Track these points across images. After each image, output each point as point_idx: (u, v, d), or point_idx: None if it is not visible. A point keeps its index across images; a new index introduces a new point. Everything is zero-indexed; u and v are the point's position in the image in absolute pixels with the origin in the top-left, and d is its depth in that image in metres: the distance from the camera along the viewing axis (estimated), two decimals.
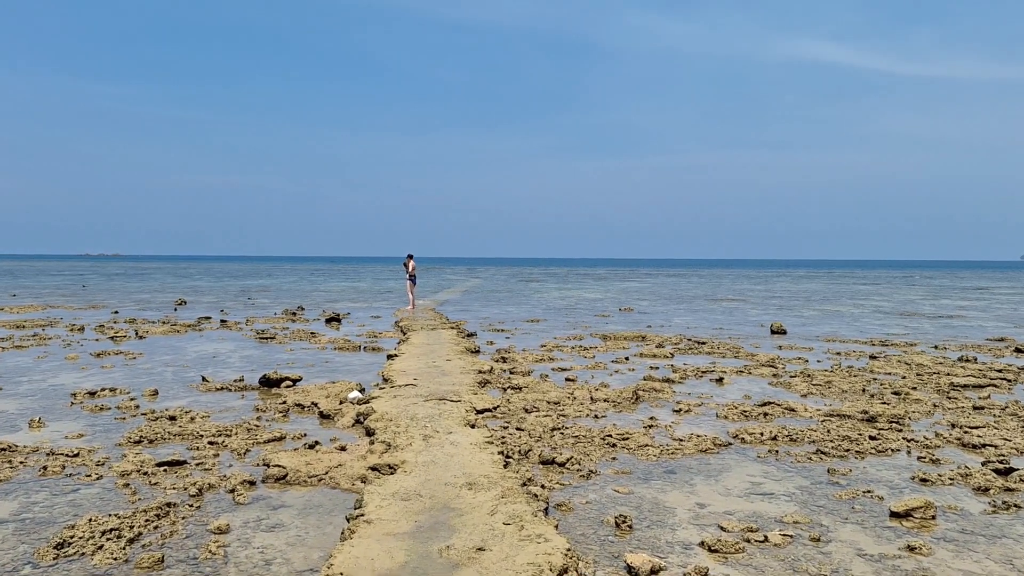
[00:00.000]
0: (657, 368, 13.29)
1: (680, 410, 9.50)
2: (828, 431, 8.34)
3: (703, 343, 17.05)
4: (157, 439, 7.99)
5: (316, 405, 9.68)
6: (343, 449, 7.48)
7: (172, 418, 8.95)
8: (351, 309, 28.44)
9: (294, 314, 25.31)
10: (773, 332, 19.73)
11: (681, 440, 7.96)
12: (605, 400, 10.06)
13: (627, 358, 14.38)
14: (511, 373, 12.48)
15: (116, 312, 25.90)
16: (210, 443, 7.80)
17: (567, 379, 11.94)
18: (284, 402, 9.98)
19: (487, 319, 24.09)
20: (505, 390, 10.94)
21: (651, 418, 9.06)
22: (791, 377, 12.17)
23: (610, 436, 7.94)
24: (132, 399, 10.21)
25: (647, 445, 7.67)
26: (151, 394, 10.58)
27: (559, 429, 8.38)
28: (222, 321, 22.08)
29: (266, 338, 17.72)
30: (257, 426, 8.54)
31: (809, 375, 12.27)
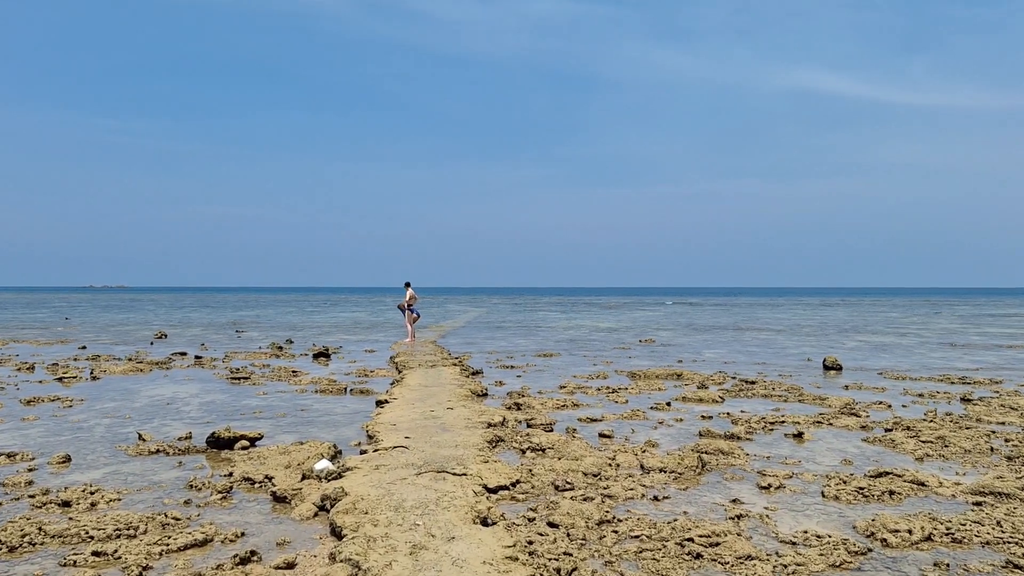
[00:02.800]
0: (710, 417, 10.72)
1: (769, 486, 6.92)
2: (998, 523, 5.76)
3: (753, 383, 14.45)
4: (23, 545, 5.44)
5: (270, 480, 7.12)
6: (289, 567, 4.92)
7: (66, 503, 6.41)
8: (344, 342, 25.91)
9: (280, 348, 22.79)
10: (827, 368, 17.13)
11: (794, 543, 5.39)
12: (662, 470, 7.47)
13: (668, 403, 11.80)
14: (529, 426, 9.92)
15: (84, 347, 23.39)
16: (96, 553, 5.23)
17: (601, 435, 9.37)
18: (230, 473, 7.43)
19: (494, 353, 21.54)
20: (524, 452, 8.37)
21: (733, 501, 6.48)
22: (886, 430, 9.59)
23: (690, 539, 5.36)
24: (31, 470, 7.67)
25: (750, 557, 5.08)
26: (60, 461, 8.02)
27: (609, 523, 5.81)
28: (196, 357, 19.56)
29: (239, 378, 15.17)
30: (177, 520, 5.97)
31: (908, 427, 9.68)
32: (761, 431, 9.71)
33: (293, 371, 16.39)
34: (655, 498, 6.57)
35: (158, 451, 8.58)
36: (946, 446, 8.55)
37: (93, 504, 6.41)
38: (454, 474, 6.79)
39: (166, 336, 28.27)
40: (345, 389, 13.67)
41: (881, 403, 11.85)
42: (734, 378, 15.41)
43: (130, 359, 19.09)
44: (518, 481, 6.89)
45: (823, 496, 6.65)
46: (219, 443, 8.65)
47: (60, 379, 15.13)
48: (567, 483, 6.89)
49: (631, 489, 6.77)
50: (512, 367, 17.59)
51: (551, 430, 9.70)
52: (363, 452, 8.09)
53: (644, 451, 8.39)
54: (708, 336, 29.34)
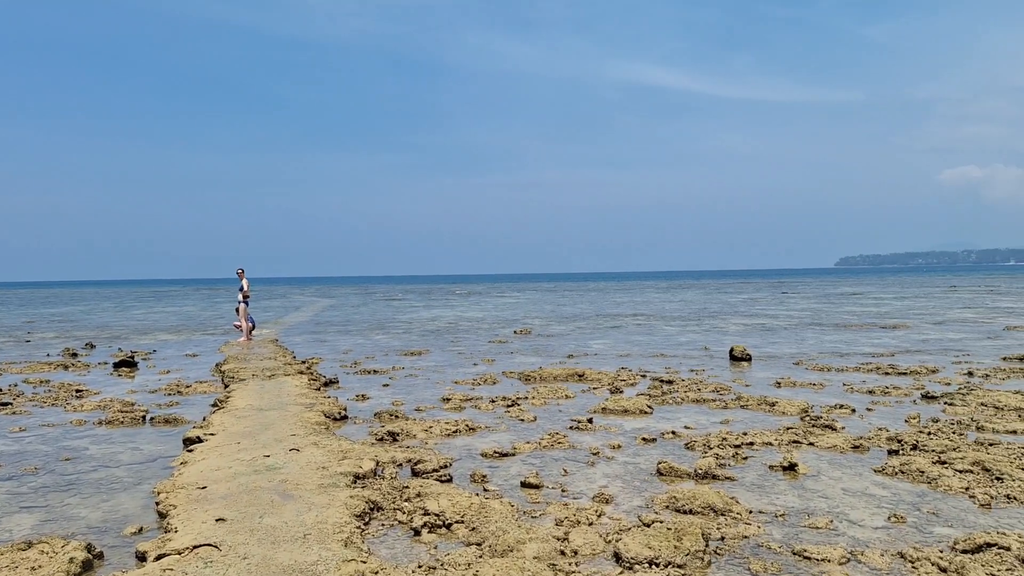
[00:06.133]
0: (653, 440, 8.03)
1: None
2: None
3: (670, 382, 12.01)
4: None
5: None
6: None
7: None
8: (162, 344, 21.43)
9: (75, 355, 18.16)
10: (736, 358, 15.08)
11: None
12: (652, 561, 4.57)
13: (590, 420, 9.01)
14: (415, 473, 6.78)
15: None
16: None
17: (525, 484, 6.40)
18: None
19: (349, 353, 18.07)
20: (418, 532, 5.25)
21: None
22: (891, 452, 7.24)
23: None
24: None
25: None
26: None
27: None
28: None
29: None
30: None
31: (915, 445, 7.38)
32: (733, 461, 7.10)
33: (77, 390, 12.25)
34: None
35: None
36: (999, 479, 6.25)
37: None
38: None
39: None
40: (144, 417, 9.89)
41: (842, 407, 9.64)
42: (644, 376, 12.94)
43: None
44: None
45: None
46: None
47: None
48: None
49: None
50: (375, 371, 14.26)
51: (449, 478, 6.61)
52: (141, 558, 4.68)
53: (600, 514, 5.51)
54: (583, 324, 27.15)
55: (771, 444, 7.71)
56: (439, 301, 52.90)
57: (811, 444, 7.68)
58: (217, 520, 5.16)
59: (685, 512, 5.53)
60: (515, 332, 23.44)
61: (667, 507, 5.68)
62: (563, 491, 6.23)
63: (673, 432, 8.29)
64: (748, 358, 15.06)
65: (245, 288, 21.06)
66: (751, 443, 7.74)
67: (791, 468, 6.72)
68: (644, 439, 8.04)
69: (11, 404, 11.07)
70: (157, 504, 5.85)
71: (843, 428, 8.38)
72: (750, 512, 5.52)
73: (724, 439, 7.83)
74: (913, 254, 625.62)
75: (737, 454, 7.29)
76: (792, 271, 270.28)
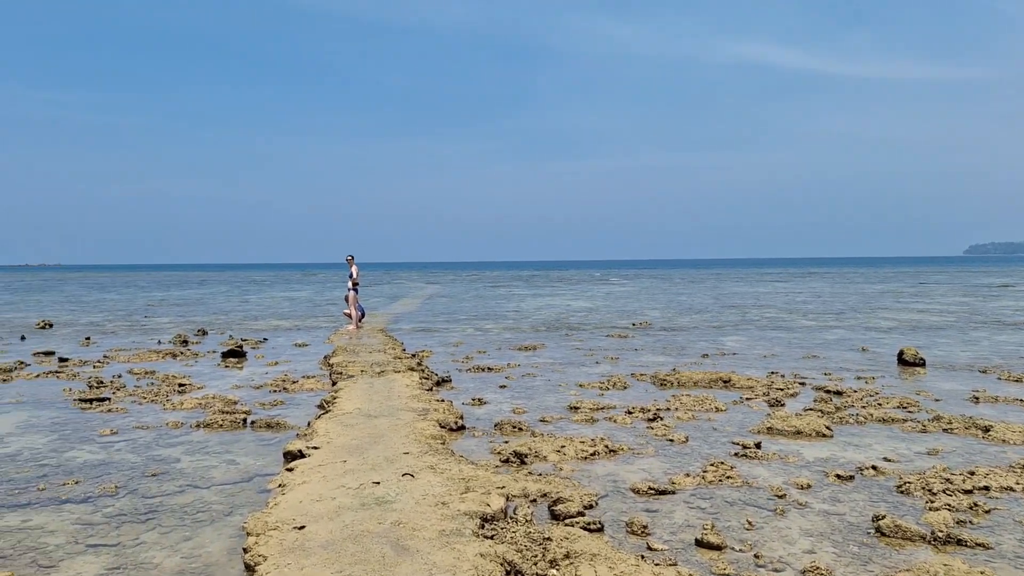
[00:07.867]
0: (849, 477, 6.33)
1: None
2: None
3: (839, 393, 10.19)
4: None
5: None
6: None
7: None
8: (273, 331, 21.01)
9: (185, 343, 17.85)
10: (906, 363, 12.97)
11: None
12: None
13: (758, 444, 7.38)
14: (554, 515, 5.41)
15: None
16: None
17: (702, 543, 4.91)
18: None
19: (460, 346, 16.95)
20: None
21: None
22: None
23: None
24: None
25: None
26: None
27: None
28: (61, 360, 14.53)
29: (91, 400, 10.29)
30: None
31: None
32: (972, 516, 5.36)
33: (180, 384, 11.55)
34: None
35: None
36: None
37: None
38: None
39: (51, 326, 22.97)
40: (245, 420, 8.97)
41: None
42: (803, 384, 11.13)
43: None
44: None
45: None
46: None
47: None
48: None
49: None
50: (490, 369, 13.01)
51: (600, 527, 5.20)
52: None
53: None
54: (707, 317, 25.13)
55: (1011, 489, 5.91)
56: (544, 288, 51.62)
57: None
58: None
59: None
60: (633, 325, 21.78)
61: None
62: (756, 557, 4.71)
63: (873, 467, 6.57)
64: (922, 363, 12.93)
65: (355, 275, 20.37)
66: (985, 487, 5.95)
67: None
68: (838, 476, 6.37)
69: (109, 400, 10.44)
70: (245, 551, 4.72)
71: None
72: None
73: (947, 480, 6.07)
74: None
75: (976, 505, 5.54)
76: (917, 259, 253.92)
